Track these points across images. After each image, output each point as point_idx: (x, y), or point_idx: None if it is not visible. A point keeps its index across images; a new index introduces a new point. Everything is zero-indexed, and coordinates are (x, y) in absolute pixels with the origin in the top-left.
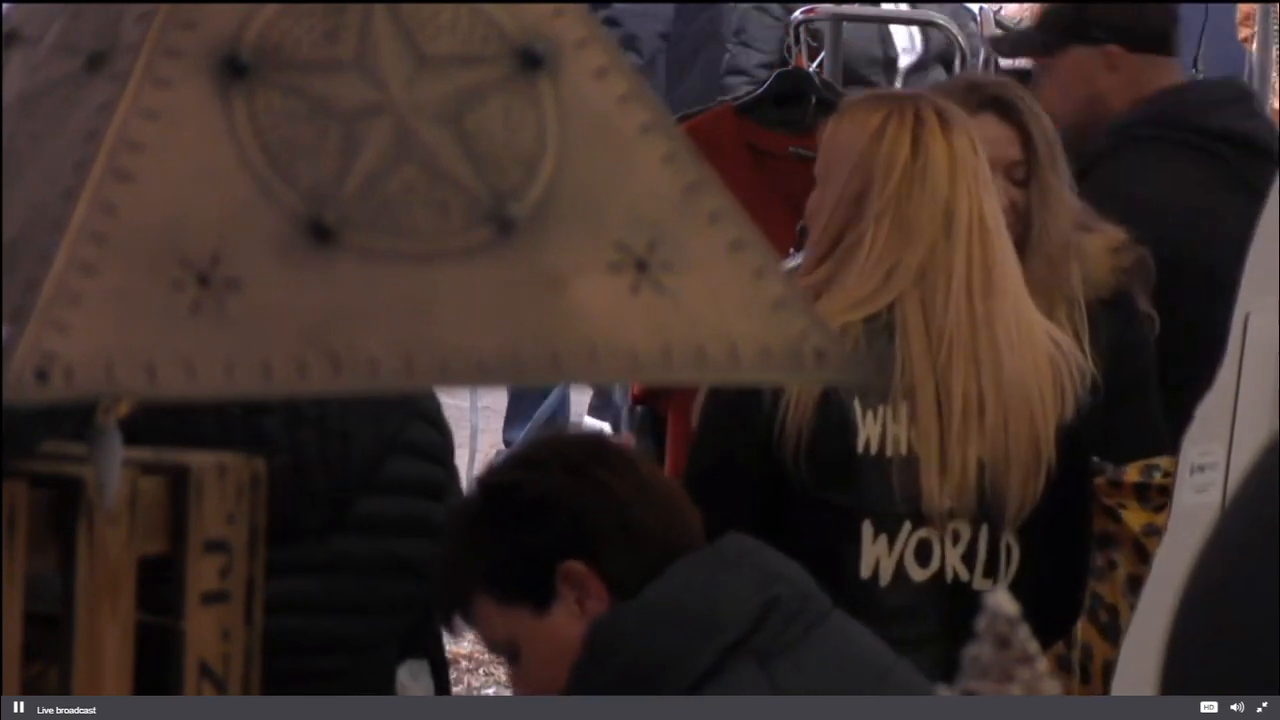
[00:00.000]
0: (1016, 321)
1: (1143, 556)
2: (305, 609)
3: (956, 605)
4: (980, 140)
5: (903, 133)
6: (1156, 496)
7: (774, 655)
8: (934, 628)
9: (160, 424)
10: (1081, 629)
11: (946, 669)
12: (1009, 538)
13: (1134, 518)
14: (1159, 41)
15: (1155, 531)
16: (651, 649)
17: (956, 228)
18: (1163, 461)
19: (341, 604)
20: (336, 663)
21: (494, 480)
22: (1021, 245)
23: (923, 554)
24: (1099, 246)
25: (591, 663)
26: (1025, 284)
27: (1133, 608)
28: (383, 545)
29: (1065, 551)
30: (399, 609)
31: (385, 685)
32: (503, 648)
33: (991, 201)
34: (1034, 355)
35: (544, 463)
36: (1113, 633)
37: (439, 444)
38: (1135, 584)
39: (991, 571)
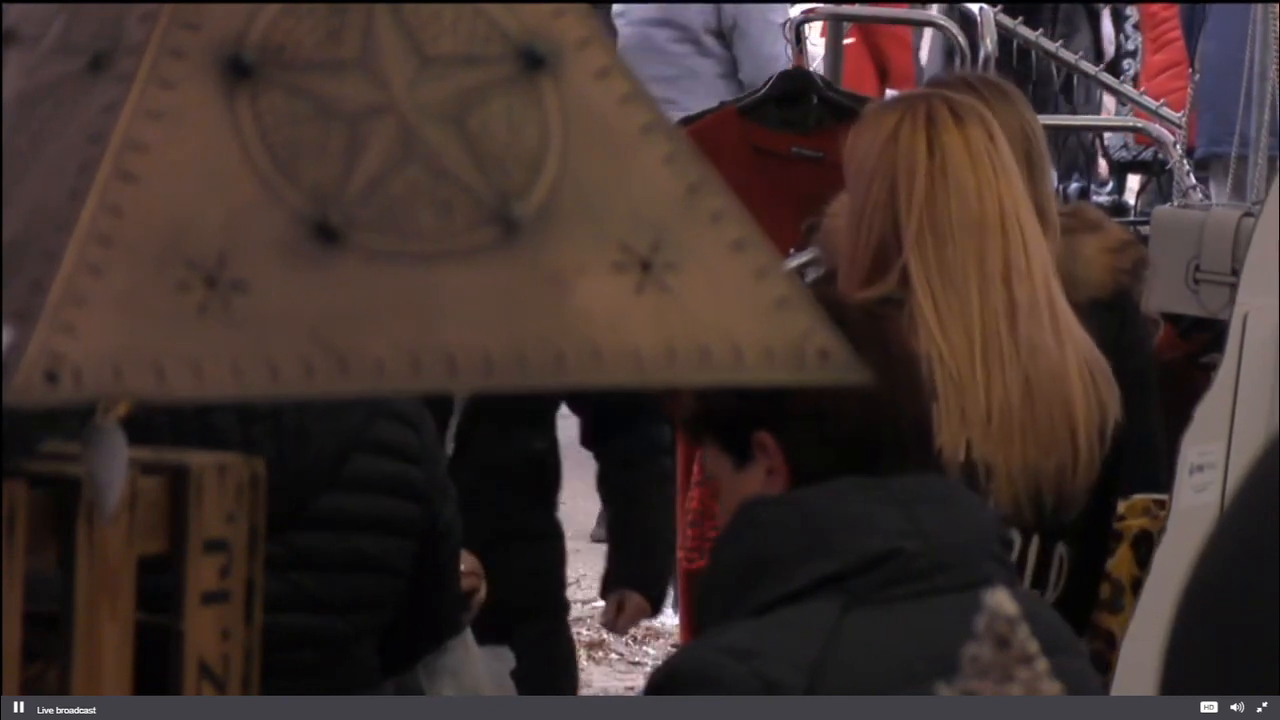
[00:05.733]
0: (1050, 313)
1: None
2: (266, 605)
3: None
4: (1001, 135)
5: (917, 133)
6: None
7: (862, 604)
8: None
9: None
10: None
11: None
12: (1062, 548)
13: None
14: None
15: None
16: (765, 546)
17: (985, 219)
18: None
19: (304, 600)
20: (303, 657)
21: None
22: None
23: None
24: (1097, 246)
25: (728, 537)
26: None
27: (1094, 653)
28: (347, 542)
29: (1087, 561)
30: (369, 606)
31: (360, 681)
32: (712, 481)
33: (1013, 191)
34: (1070, 349)
35: None
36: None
37: (412, 444)
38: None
39: (1040, 582)
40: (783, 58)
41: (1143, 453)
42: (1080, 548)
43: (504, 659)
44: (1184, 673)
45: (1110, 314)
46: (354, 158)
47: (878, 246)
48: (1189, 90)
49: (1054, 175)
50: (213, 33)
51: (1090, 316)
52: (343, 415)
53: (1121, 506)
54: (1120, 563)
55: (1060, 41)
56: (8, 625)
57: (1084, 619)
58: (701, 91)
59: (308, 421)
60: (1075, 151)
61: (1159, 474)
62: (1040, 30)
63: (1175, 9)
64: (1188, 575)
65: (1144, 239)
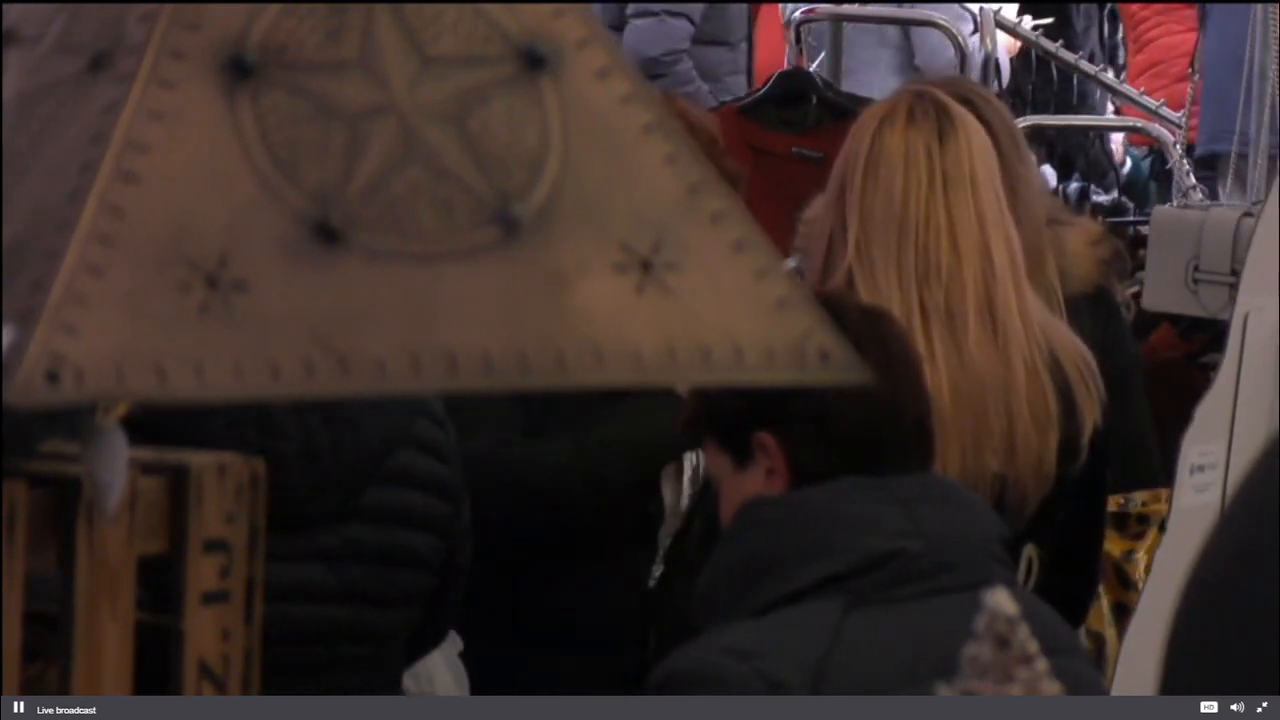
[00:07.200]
0: (986, 321)
1: (1124, 582)
2: (316, 597)
3: None
4: (966, 139)
5: (868, 131)
6: (1135, 525)
7: (864, 604)
8: None
9: (170, 416)
10: None
11: None
12: (1030, 550)
13: (1114, 546)
14: None
15: (1136, 557)
16: (766, 546)
17: (905, 222)
18: (1137, 494)
19: (350, 592)
20: (344, 651)
21: None
22: None
23: None
24: (1078, 240)
25: (729, 538)
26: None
27: (1119, 635)
28: (390, 536)
29: (1075, 565)
30: (406, 601)
31: (393, 677)
32: (712, 481)
33: (958, 197)
34: (1015, 358)
35: None
36: (1099, 662)
37: (445, 443)
38: (1120, 611)
39: None
40: (952, 50)
41: (1134, 448)
42: (1055, 550)
43: (454, 641)
44: (1184, 672)
45: (1096, 308)
46: (354, 158)
47: (829, 243)
48: (1189, 88)
49: (1052, 174)
50: (213, 33)
51: (1077, 312)
52: (389, 409)
53: (1144, 495)
54: (1153, 545)
55: (1060, 41)
56: (8, 625)
57: (1072, 618)
58: (879, 82)
59: (359, 413)
60: (1099, 160)
61: (1153, 469)
62: (1040, 30)
63: (1154, 8)
64: (1188, 575)
65: (1143, 239)
